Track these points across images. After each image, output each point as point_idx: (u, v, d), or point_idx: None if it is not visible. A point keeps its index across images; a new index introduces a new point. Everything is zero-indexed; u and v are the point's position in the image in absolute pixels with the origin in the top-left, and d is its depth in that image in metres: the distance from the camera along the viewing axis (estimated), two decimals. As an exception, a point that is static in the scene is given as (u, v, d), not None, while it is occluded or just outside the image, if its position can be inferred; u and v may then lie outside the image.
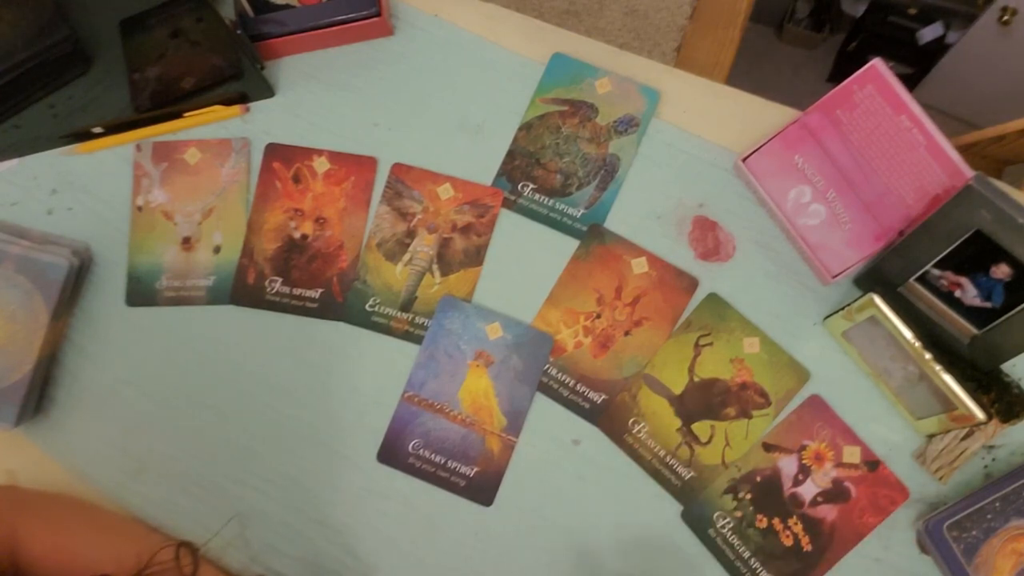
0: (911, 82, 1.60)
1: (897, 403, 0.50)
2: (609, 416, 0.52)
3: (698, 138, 0.57)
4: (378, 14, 0.58)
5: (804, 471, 0.50)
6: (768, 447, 0.51)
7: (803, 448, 0.50)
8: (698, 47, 1.04)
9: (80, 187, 0.59)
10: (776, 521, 0.50)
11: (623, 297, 0.54)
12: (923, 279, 0.48)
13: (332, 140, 0.59)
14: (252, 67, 0.57)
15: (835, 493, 0.50)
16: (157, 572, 0.42)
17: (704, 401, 0.52)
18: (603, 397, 0.53)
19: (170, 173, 0.59)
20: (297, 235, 0.57)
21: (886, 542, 0.49)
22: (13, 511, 0.48)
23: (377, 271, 0.56)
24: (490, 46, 0.60)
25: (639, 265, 0.54)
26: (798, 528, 0.49)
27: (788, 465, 0.50)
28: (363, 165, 0.58)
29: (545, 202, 0.56)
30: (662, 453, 0.51)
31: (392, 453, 0.53)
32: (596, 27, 1.08)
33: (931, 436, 0.49)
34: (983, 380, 0.49)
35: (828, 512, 0.49)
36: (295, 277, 0.56)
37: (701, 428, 0.52)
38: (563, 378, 0.53)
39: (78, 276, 0.57)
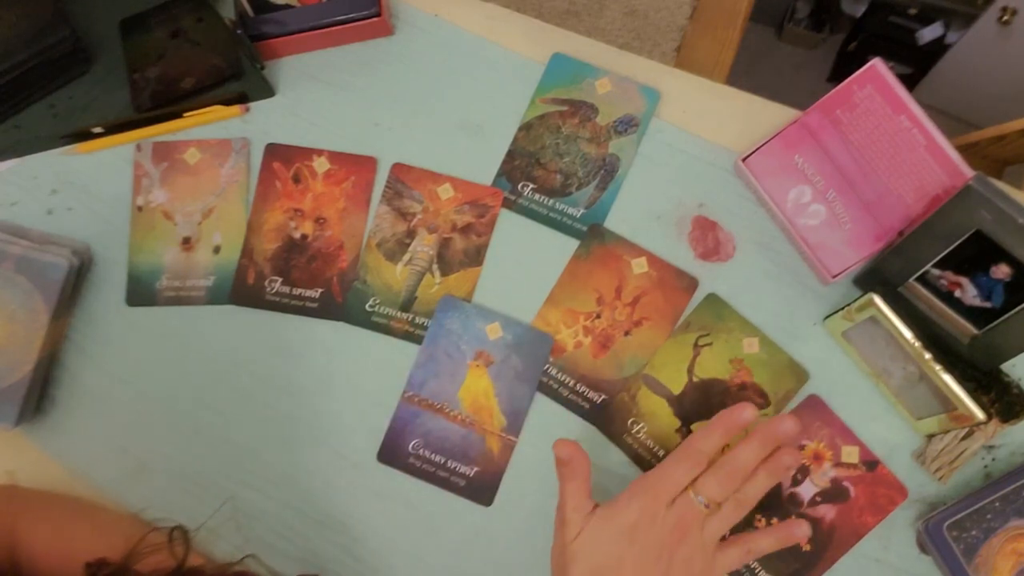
0: (911, 82, 1.60)
1: (897, 403, 0.50)
2: (608, 416, 0.52)
3: (698, 138, 0.57)
4: (378, 14, 0.58)
5: (803, 471, 0.50)
6: (768, 447, 0.51)
7: (802, 448, 0.50)
8: (698, 47, 1.04)
9: (80, 187, 0.60)
10: (775, 521, 0.50)
11: (623, 297, 0.54)
12: (923, 279, 0.48)
13: (332, 140, 0.59)
14: (252, 67, 0.57)
15: (834, 493, 0.50)
16: (148, 553, 0.42)
17: (703, 401, 0.52)
18: (603, 397, 0.53)
19: (170, 173, 0.59)
20: (297, 235, 0.57)
21: (886, 542, 0.49)
22: (13, 510, 0.48)
23: (377, 271, 0.56)
24: (490, 46, 0.60)
25: (639, 265, 0.54)
26: (798, 528, 0.49)
27: (788, 465, 0.50)
28: (363, 165, 0.58)
29: (545, 202, 0.56)
30: (661, 453, 0.51)
31: (392, 453, 0.53)
32: (596, 27, 1.08)
33: (931, 436, 0.49)
34: (983, 380, 0.49)
35: (827, 512, 0.49)
36: (295, 277, 0.56)
37: (701, 428, 0.52)
38: (563, 378, 0.53)
39: (78, 276, 0.57)
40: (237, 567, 0.46)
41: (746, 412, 0.45)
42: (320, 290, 0.56)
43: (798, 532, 0.45)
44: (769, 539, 0.45)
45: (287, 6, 0.59)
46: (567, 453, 0.47)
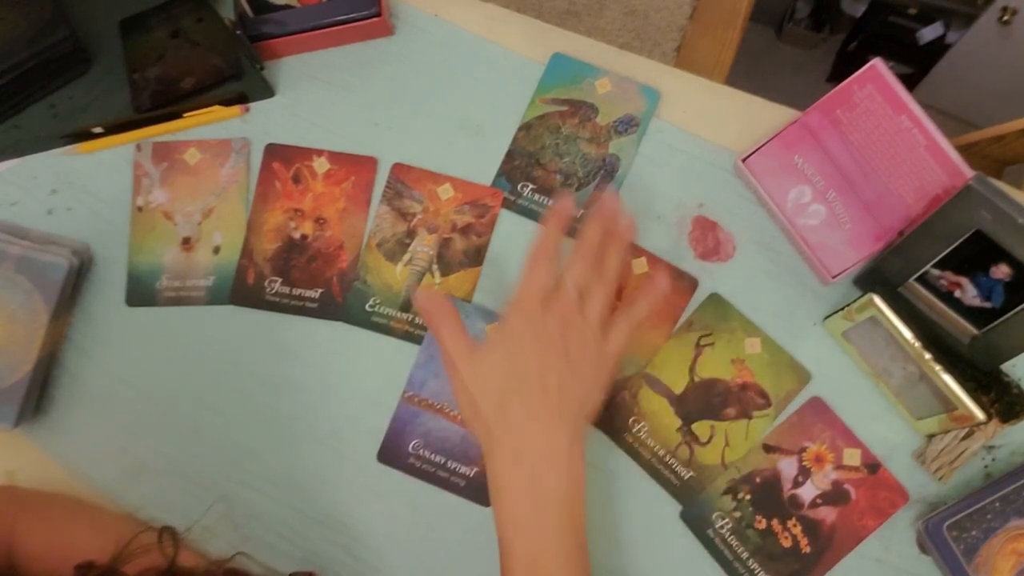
0: (911, 82, 1.60)
1: (897, 403, 0.50)
2: (609, 415, 0.52)
3: (698, 138, 0.57)
4: (378, 14, 0.58)
5: (804, 473, 0.50)
6: (768, 448, 0.51)
7: (803, 450, 0.50)
8: (698, 47, 1.04)
9: (80, 187, 0.59)
10: (775, 522, 0.50)
11: (623, 297, 0.54)
12: (923, 279, 0.48)
13: (332, 140, 0.59)
14: (252, 67, 0.57)
15: (835, 495, 0.50)
16: (139, 554, 0.42)
17: (704, 401, 0.52)
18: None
19: (170, 173, 0.59)
20: (297, 235, 0.57)
21: (886, 542, 0.49)
22: (12, 511, 0.48)
23: (377, 271, 0.56)
24: (490, 46, 0.60)
25: (639, 265, 0.54)
26: (797, 530, 0.49)
27: (788, 467, 0.50)
28: (363, 165, 0.58)
29: (545, 202, 0.56)
30: (662, 453, 0.52)
31: (392, 453, 0.53)
32: (596, 27, 1.08)
33: (931, 436, 0.49)
34: (983, 380, 0.49)
35: (827, 514, 0.49)
36: (295, 277, 0.56)
37: (701, 428, 0.52)
38: (563, 378, 0.53)
39: (78, 276, 0.57)
40: (228, 564, 0.47)
41: (565, 205, 0.48)
42: (320, 290, 0.56)
43: (661, 284, 0.48)
44: (642, 301, 0.48)
45: (287, 6, 0.59)
46: (429, 301, 0.48)
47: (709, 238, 0.55)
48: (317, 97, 0.60)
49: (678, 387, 0.52)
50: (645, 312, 0.48)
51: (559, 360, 0.44)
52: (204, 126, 0.60)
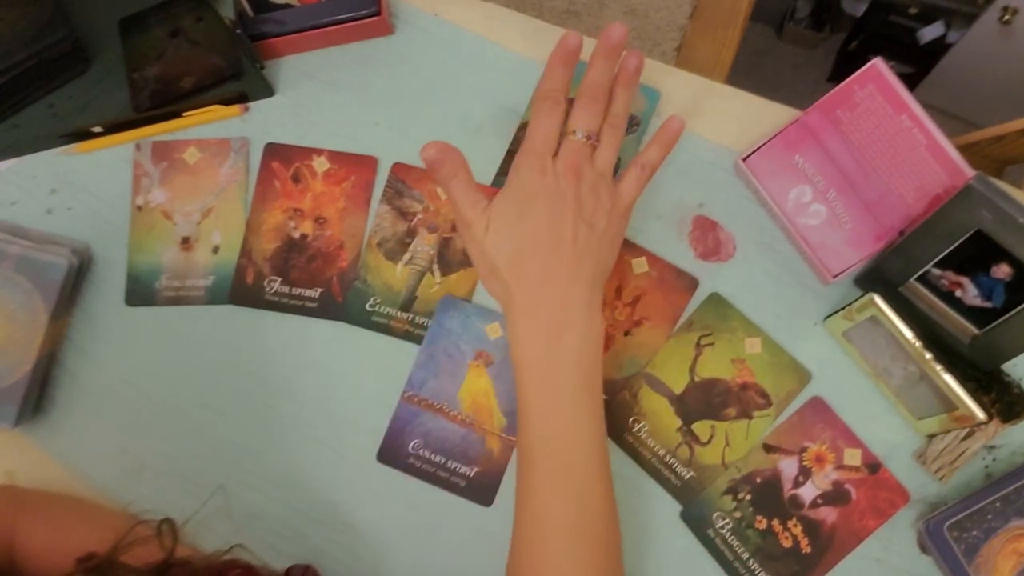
0: (912, 82, 1.60)
1: (897, 403, 0.50)
2: (609, 415, 0.52)
3: (698, 138, 0.57)
4: (378, 13, 0.58)
5: (804, 473, 0.50)
6: (768, 448, 0.51)
7: (804, 450, 0.50)
8: (698, 47, 1.04)
9: (80, 187, 0.59)
10: (775, 523, 0.50)
11: (623, 297, 0.54)
12: (924, 279, 0.48)
13: (332, 140, 0.59)
14: (252, 67, 0.57)
15: (835, 495, 0.50)
16: (137, 545, 0.42)
17: (705, 401, 0.52)
18: (603, 398, 0.52)
19: (169, 173, 0.59)
20: (296, 235, 0.57)
21: (886, 543, 0.49)
22: (12, 510, 0.48)
23: (377, 271, 0.56)
24: (490, 46, 0.60)
25: (639, 265, 0.54)
26: (797, 530, 0.49)
27: (788, 467, 0.50)
28: (363, 165, 0.58)
29: (545, 202, 0.56)
30: (662, 452, 0.51)
31: (392, 453, 0.53)
32: (596, 27, 1.08)
33: (931, 436, 0.49)
34: (983, 380, 0.49)
35: (828, 514, 0.49)
36: (294, 277, 0.56)
37: (701, 428, 0.52)
38: (563, 378, 0.53)
39: (78, 276, 0.57)
40: (226, 556, 0.47)
41: (570, 39, 0.45)
42: (320, 290, 0.56)
43: (675, 125, 0.47)
44: (655, 147, 0.46)
45: (287, 6, 0.59)
46: (436, 153, 0.45)
47: (709, 238, 0.55)
48: (317, 96, 0.60)
49: (678, 387, 0.52)
50: (658, 158, 0.46)
51: (573, 212, 0.43)
52: (203, 125, 0.60)
